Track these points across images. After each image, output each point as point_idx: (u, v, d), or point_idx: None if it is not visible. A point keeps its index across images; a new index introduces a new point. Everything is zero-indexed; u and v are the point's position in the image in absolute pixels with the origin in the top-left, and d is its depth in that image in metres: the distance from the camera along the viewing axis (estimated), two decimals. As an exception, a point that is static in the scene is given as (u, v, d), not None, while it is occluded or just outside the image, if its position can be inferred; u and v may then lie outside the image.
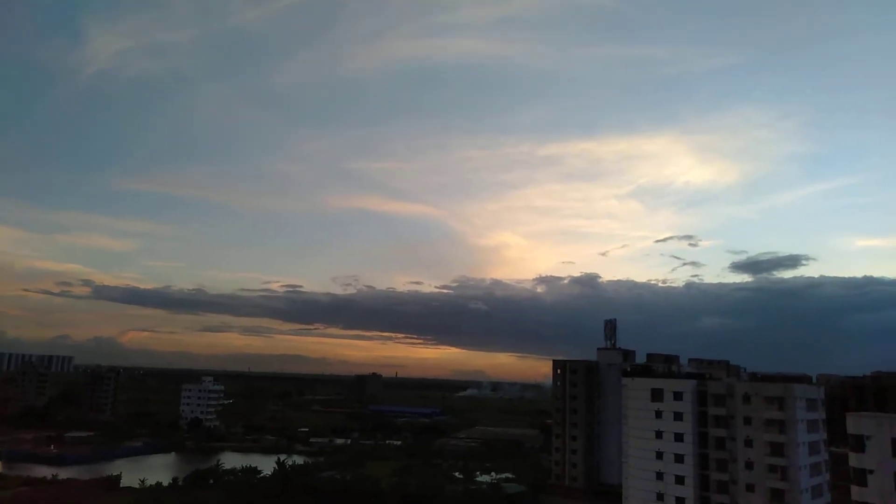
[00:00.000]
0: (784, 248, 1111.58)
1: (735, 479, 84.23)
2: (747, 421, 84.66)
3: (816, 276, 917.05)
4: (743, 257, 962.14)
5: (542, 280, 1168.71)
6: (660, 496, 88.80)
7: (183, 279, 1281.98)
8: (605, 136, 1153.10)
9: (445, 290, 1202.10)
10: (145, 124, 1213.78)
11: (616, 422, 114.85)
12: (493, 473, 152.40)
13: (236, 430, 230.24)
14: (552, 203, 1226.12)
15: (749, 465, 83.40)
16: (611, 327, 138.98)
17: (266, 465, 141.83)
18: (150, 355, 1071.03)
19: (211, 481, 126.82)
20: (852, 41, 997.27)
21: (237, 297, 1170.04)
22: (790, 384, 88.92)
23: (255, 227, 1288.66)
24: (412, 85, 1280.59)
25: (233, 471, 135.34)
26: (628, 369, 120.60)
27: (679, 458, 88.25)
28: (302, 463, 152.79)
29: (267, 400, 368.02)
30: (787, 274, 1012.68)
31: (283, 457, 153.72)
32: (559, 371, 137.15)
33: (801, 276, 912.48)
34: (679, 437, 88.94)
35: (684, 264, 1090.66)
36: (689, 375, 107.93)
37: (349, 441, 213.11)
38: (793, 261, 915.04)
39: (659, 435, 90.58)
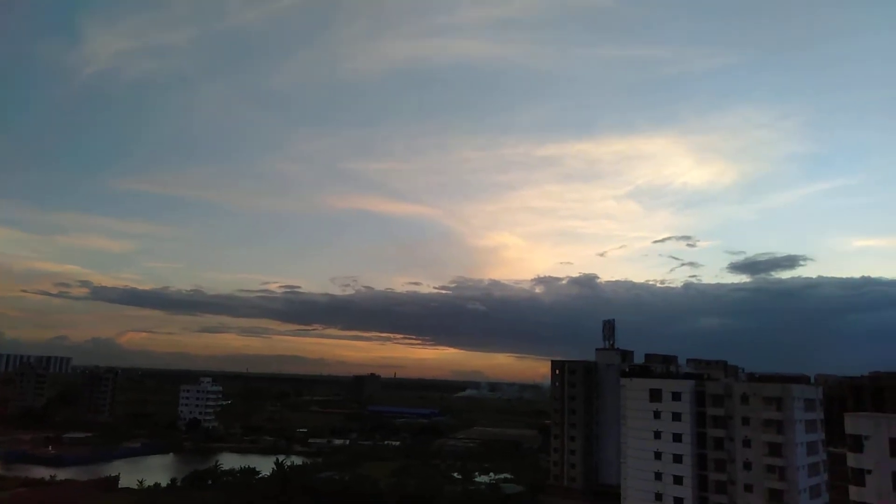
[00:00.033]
0: (782, 249, 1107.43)
1: (733, 479, 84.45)
2: (745, 421, 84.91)
3: (814, 276, 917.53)
4: (741, 258, 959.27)
5: (540, 281, 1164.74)
6: (658, 496, 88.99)
7: (181, 280, 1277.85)
8: (604, 136, 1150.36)
9: (444, 291, 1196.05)
10: (144, 125, 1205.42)
11: (614, 422, 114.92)
12: (491, 474, 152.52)
13: (235, 431, 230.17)
14: (550, 204, 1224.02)
15: (747, 466, 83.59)
16: (609, 328, 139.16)
17: (264, 465, 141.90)
18: (149, 356, 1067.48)
19: (209, 482, 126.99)
20: (852, 41, 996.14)
21: (235, 297, 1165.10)
22: (788, 384, 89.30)
23: (254, 227, 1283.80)
24: (411, 85, 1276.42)
25: (231, 471, 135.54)
26: (627, 370, 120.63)
27: (677, 459, 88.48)
28: (300, 463, 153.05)
29: (265, 401, 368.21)
30: (786, 274, 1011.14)
31: (281, 457, 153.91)
32: (558, 371, 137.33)
33: (800, 277, 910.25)
34: (677, 438, 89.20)
35: (682, 265, 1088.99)
36: (687, 376, 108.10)
37: (347, 442, 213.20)
38: (791, 261, 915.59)
39: (657, 435, 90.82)
